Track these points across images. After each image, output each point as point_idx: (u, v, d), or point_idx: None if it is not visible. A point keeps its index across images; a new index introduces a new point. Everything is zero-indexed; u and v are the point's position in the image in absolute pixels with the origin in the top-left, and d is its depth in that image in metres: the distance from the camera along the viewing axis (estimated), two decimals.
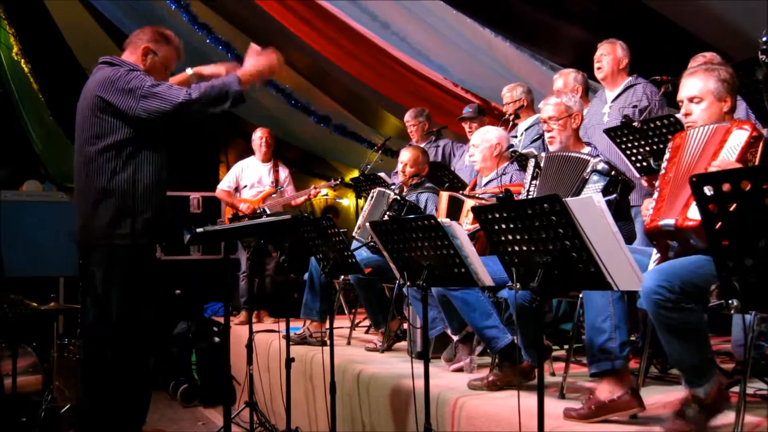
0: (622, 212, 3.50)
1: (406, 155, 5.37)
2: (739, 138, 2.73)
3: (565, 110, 3.77)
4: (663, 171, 2.96)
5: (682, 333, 2.62)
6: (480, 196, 4.45)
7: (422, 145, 6.61)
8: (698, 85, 2.97)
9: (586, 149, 3.76)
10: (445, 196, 4.52)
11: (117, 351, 3.59)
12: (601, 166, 3.48)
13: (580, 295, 3.45)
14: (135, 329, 3.59)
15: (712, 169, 2.65)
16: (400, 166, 5.45)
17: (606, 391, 2.98)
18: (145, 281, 3.64)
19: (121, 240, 3.56)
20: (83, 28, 9.96)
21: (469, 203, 4.32)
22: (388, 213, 5.01)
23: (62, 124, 10.46)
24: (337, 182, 7.41)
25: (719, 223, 1.89)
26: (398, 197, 5.02)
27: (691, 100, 2.99)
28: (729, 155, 2.71)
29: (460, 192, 4.68)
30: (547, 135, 3.83)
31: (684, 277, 2.58)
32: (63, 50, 10.14)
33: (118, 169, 3.56)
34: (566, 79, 5.19)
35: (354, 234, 5.46)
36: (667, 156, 2.98)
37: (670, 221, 2.76)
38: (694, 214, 2.63)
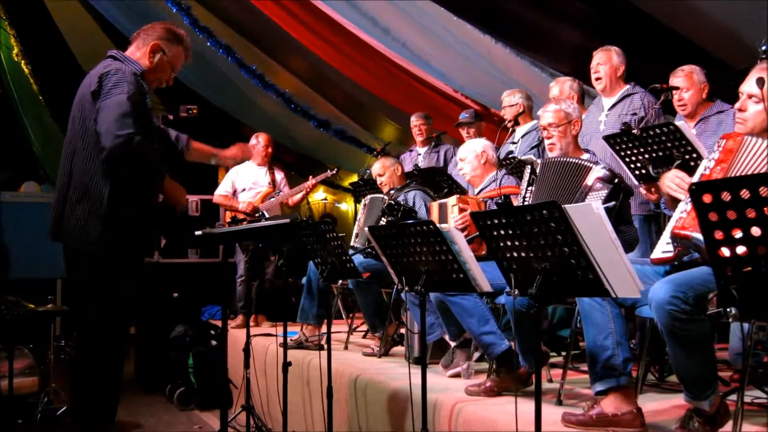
0: (623, 216, 3.49)
1: (375, 170, 5.66)
2: None
3: (565, 117, 3.77)
4: (707, 172, 2.80)
5: (693, 345, 2.59)
6: (465, 197, 4.49)
7: (423, 150, 6.67)
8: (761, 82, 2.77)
9: (585, 156, 3.75)
10: (434, 206, 4.56)
11: (90, 352, 3.53)
12: (603, 173, 3.48)
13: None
14: (106, 333, 3.50)
15: None
16: (377, 181, 5.66)
17: (611, 405, 2.97)
18: (116, 289, 3.47)
19: (91, 246, 3.39)
20: (84, 30, 9.97)
21: (451, 201, 4.35)
22: (384, 218, 5.04)
23: (62, 126, 10.46)
24: (334, 172, 7.32)
25: (719, 232, 1.89)
26: (393, 201, 5.06)
27: (750, 96, 2.83)
28: None
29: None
30: (547, 142, 3.83)
31: (697, 288, 2.54)
32: (63, 52, 10.16)
33: (96, 168, 3.39)
34: (562, 87, 5.21)
35: (352, 243, 5.47)
36: (714, 156, 2.81)
37: (703, 240, 2.65)
38: None
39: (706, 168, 2.83)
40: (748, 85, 2.83)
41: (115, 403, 3.63)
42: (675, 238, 2.81)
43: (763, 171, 2.64)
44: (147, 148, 3.36)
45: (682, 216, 2.76)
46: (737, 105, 2.89)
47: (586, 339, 3.12)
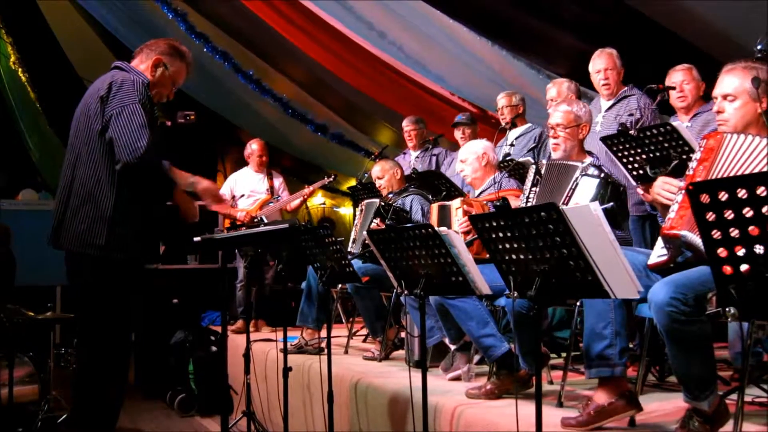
0: (615, 220, 3.49)
1: (375, 172, 5.68)
2: None
3: (574, 119, 3.71)
4: (691, 172, 2.82)
5: (692, 346, 2.60)
6: (469, 199, 4.47)
7: (417, 153, 6.68)
8: (734, 83, 2.83)
9: (588, 159, 3.72)
10: (435, 207, 4.55)
11: (94, 359, 3.53)
12: (591, 170, 3.49)
13: (578, 304, 3.45)
14: (108, 339, 3.50)
15: None
16: (376, 183, 5.68)
17: (603, 396, 2.99)
18: (120, 295, 3.48)
19: (94, 251, 3.40)
20: (81, 37, 9.98)
21: (455, 203, 4.33)
22: (374, 220, 5.05)
23: (59, 133, 10.47)
24: (331, 179, 7.35)
25: (717, 232, 1.89)
26: (383, 203, 5.07)
27: (725, 97, 2.85)
28: None
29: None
30: (551, 141, 3.77)
31: (696, 289, 2.54)
32: (61, 60, 10.16)
33: (102, 174, 3.41)
34: (559, 88, 5.20)
35: (350, 248, 5.47)
36: (697, 156, 2.83)
37: (694, 239, 2.65)
38: None
39: (689, 168, 2.84)
40: (720, 88, 2.87)
41: (117, 410, 3.64)
42: (665, 238, 2.83)
43: (745, 166, 2.66)
44: (159, 159, 3.42)
45: (670, 216, 2.78)
46: (714, 108, 2.92)
47: (585, 324, 3.12)
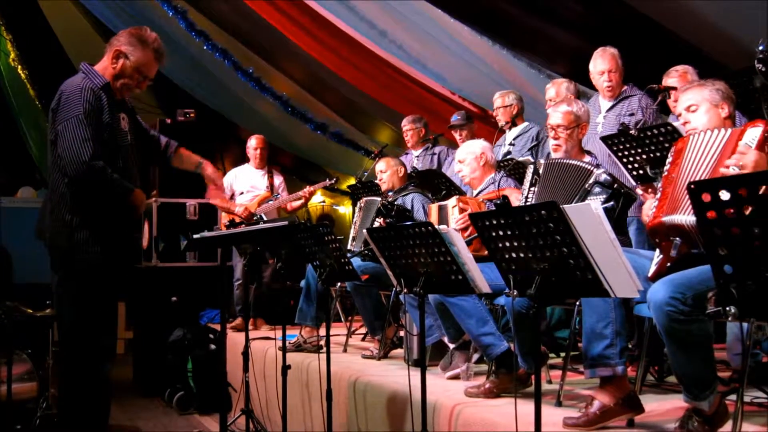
0: (618, 226, 3.49)
1: (379, 166, 5.73)
2: (754, 133, 2.73)
3: (574, 120, 3.73)
4: (665, 173, 2.96)
5: (691, 346, 2.61)
6: (465, 197, 4.47)
7: (418, 152, 6.68)
8: (692, 96, 3.03)
9: (588, 158, 3.74)
10: (433, 208, 4.55)
11: (69, 354, 3.61)
12: (603, 177, 3.48)
13: (577, 303, 3.45)
14: (82, 336, 3.55)
15: (731, 161, 2.67)
16: (378, 177, 5.70)
17: (606, 397, 2.99)
18: (83, 293, 3.53)
19: (58, 252, 3.52)
20: (81, 34, 9.98)
21: (451, 202, 4.33)
22: (377, 219, 5.05)
23: None
24: (333, 182, 7.33)
25: (717, 231, 1.89)
26: (385, 202, 5.06)
27: (688, 109, 3.03)
28: (748, 145, 2.69)
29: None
30: (552, 142, 3.78)
31: (695, 288, 2.55)
32: (60, 57, 10.16)
33: (61, 182, 3.51)
34: (558, 88, 5.19)
35: (349, 246, 5.47)
36: (669, 159, 2.99)
37: (674, 218, 2.77)
38: None
39: (664, 170, 2.98)
40: (680, 106, 3.08)
41: (102, 407, 3.64)
42: (651, 232, 2.91)
43: (710, 158, 2.80)
44: (108, 170, 3.45)
45: (653, 213, 2.90)
46: (681, 122, 3.11)
47: (585, 323, 3.12)
